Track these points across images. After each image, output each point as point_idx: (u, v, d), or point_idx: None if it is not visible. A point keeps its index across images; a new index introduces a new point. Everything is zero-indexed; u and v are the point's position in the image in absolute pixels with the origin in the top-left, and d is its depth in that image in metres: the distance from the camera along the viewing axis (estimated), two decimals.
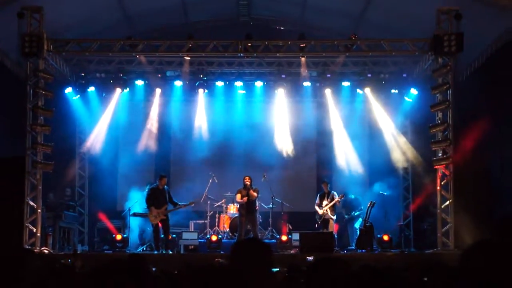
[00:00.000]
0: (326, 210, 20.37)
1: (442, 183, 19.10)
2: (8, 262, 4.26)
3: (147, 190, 20.26)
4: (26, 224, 18.57)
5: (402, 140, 23.17)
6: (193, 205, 20.46)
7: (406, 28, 20.38)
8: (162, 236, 19.66)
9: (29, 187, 18.86)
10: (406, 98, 22.62)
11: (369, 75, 22.54)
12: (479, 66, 19.87)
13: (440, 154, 19.11)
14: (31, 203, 18.80)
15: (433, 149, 19.32)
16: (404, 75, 22.64)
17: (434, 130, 19.37)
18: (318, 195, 20.96)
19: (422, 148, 21.16)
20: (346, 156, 23.18)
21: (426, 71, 20.89)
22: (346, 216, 21.41)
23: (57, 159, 19.77)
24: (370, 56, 21.42)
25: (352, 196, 21.35)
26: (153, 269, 9.98)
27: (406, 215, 23.14)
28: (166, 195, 19.77)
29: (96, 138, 22.70)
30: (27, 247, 18.21)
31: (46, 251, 18.38)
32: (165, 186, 19.93)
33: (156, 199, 19.64)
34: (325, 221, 20.36)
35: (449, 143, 18.80)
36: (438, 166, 19.14)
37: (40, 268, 4.50)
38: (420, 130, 21.55)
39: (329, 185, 21.03)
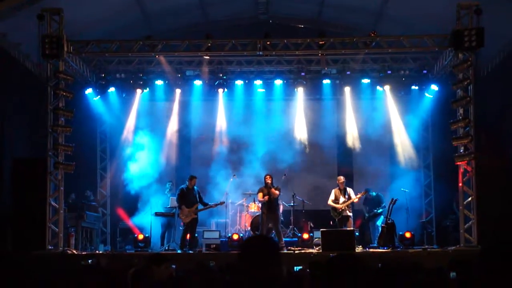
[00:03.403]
0: (344, 208, 20.23)
1: (464, 179, 18.96)
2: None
3: (177, 190, 20.39)
4: (49, 225, 18.67)
5: (423, 136, 23.17)
6: (223, 204, 20.63)
7: (426, 24, 20.27)
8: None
9: (51, 187, 18.96)
10: (426, 94, 22.50)
11: (389, 72, 22.49)
12: (500, 61, 19.71)
13: (461, 150, 18.96)
14: (53, 203, 18.90)
15: (455, 145, 19.18)
16: (424, 71, 22.57)
17: (455, 126, 19.19)
18: (333, 190, 20.72)
19: (444, 145, 21.01)
20: (367, 153, 23.12)
21: (446, 67, 20.76)
22: (367, 214, 21.31)
23: (78, 159, 19.87)
24: (389, 52, 21.34)
25: (374, 194, 21.22)
26: (173, 266, 10.03)
27: (428, 212, 23.04)
28: (196, 194, 20.00)
29: (124, 141, 22.93)
30: (49, 247, 18.36)
31: (69, 252, 18.47)
32: (195, 187, 20.09)
33: (186, 198, 19.90)
34: (344, 218, 20.21)
35: (471, 139, 18.63)
36: (460, 162, 18.99)
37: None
38: (441, 126, 21.42)
39: (344, 181, 20.87)
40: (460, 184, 19.02)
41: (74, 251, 18.87)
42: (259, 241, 3.98)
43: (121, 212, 22.93)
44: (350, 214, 20.36)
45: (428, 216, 22.97)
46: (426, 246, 20.24)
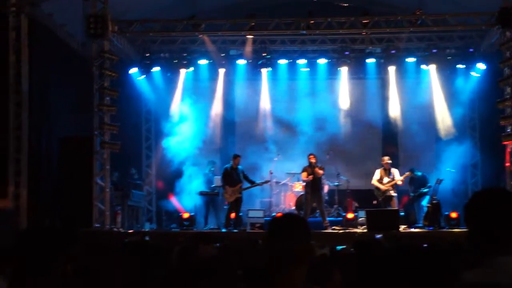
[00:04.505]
0: (389, 187, 20.10)
1: (511, 159, 18.71)
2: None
3: (221, 169, 20.52)
4: (95, 203, 18.93)
5: (469, 116, 22.89)
6: (268, 183, 20.73)
7: (472, 1, 19.96)
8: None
9: (97, 166, 19.19)
10: (472, 73, 22.17)
11: (434, 51, 22.19)
12: None
13: (508, 130, 18.72)
14: (100, 182, 19.15)
15: (502, 124, 18.93)
16: (471, 49, 22.22)
17: (502, 105, 18.95)
18: (378, 170, 20.54)
19: (490, 124, 20.74)
20: (412, 132, 22.89)
21: (493, 45, 20.46)
22: (412, 193, 21.14)
23: (124, 139, 20.08)
24: (435, 31, 21.07)
25: (419, 173, 21.02)
26: (217, 244, 10.08)
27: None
28: (240, 174, 20.07)
29: (169, 121, 22.97)
30: (96, 225, 18.63)
31: (115, 230, 18.72)
32: (239, 166, 20.16)
33: (230, 178, 19.98)
34: (388, 198, 20.08)
35: None
36: (507, 142, 18.74)
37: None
38: (488, 106, 21.12)
39: (390, 163, 20.71)
40: (507, 164, 18.80)
41: (121, 229, 19.12)
42: (286, 218, 3.99)
43: (165, 191, 23.08)
44: (395, 194, 20.22)
45: None
46: None
